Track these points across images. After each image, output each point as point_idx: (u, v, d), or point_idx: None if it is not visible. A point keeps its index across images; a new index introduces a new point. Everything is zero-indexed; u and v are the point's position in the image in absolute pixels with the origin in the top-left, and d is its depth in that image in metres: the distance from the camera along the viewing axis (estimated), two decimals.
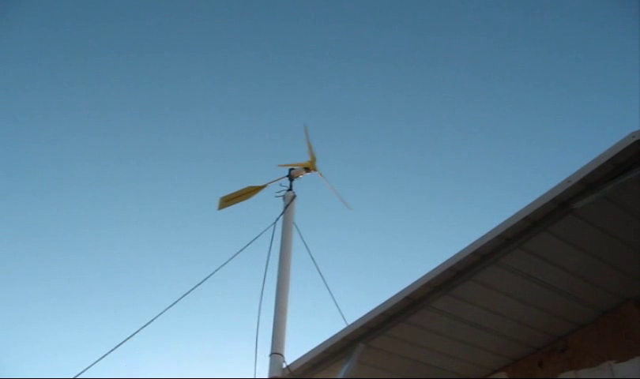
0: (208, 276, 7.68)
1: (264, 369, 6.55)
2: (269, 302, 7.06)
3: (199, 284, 7.65)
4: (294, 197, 8.26)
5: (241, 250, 7.95)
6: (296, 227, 8.00)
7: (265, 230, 8.01)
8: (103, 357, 6.85)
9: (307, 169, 8.71)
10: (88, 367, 6.72)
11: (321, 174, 8.78)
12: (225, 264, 7.81)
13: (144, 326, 7.08)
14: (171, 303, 7.36)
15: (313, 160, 8.74)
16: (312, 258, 8.04)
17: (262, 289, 7.26)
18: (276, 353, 6.60)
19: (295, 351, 6.78)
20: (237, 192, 8.60)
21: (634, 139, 4.60)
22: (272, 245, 7.61)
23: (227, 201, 8.48)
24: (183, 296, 7.50)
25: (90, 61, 18.36)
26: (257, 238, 8.01)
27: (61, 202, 18.51)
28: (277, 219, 8.04)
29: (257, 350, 6.73)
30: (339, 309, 7.64)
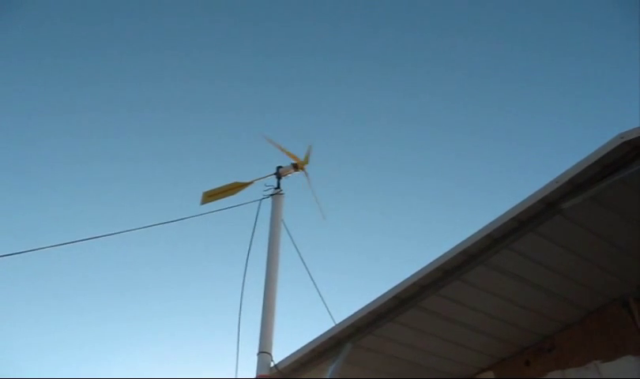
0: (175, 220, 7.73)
1: (248, 369, 6.52)
2: (257, 301, 7.03)
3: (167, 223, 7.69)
4: (282, 193, 8.22)
5: (223, 209, 7.99)
6: (284, 225, 7.97)
7: (252, 202, 8.02)
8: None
9: (296, 167, 8.63)
10: None
11: (307, 178, 8.68)
12: (204, 213, 7.88)
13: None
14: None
15: (299, 159, 8.67)
16: (300, 257, 8.01)
17: (244, 277, 7.26)
18: (264, 352, 6.57)
19: (283, 350, 6.76)
20: (221, 187, 8.50)
21: (622, 140, 4.62)
22: (261, 246, 7.58)
23: (211, 196, 8.37)
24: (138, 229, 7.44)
25: (82, 63, 18.23)
26: (243, 204, 8.03)
27: (53, 201, 18.42)
28: (264, 197, 8.04)
29: (241, 349, 6.72)
30: (327, 309, 7.61)
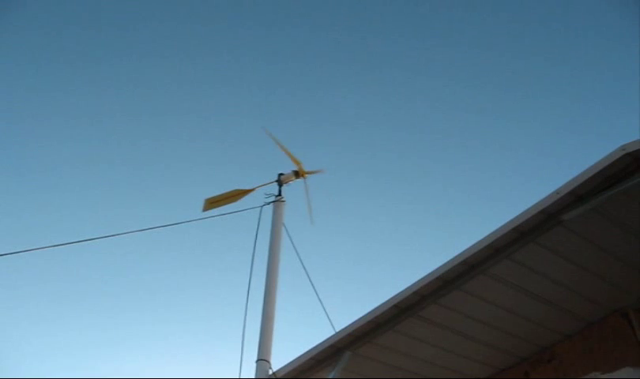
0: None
1: (247, 376, 6.52)
2: (256, 308, 7.03)
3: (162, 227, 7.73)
4: (283, 200, 8.24)
5: (223, 214, 8.03)
6: (286, 230, 7.97)
7: (252, 208, 8.04)
8: None
9: (297, 174, 8.65)
10: None
11: (306, 184, 8.69)
12: (205, 218, 7.91)
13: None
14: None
15: (301, 166, 8.69)
16: (302, 263, 8.01)
17: (249, 286, 7.24)
18: (262, 359, 6.57)
19: (281, 358, 6.75)
20: (223, 194, 8.53)
21: (624, 152, 4.62)
22: (261, 253, 7.59)
23: (213, 203, 8.42)
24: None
25: (84, 67, 18.28)
26: (244, 210, 8.06)
27: (59, 204, 18.46)
28: (265, 204, 8.06)
29: (244, 355, 6.70)
30: (327, 316, 7.61)
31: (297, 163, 8.63)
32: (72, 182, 18.69)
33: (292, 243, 7.97)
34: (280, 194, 8.32)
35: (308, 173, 8.62)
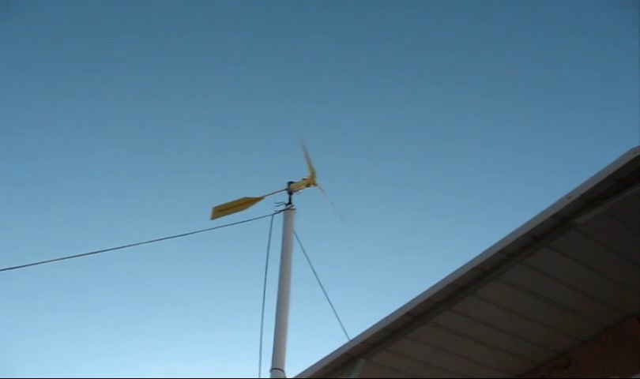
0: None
1: None
2: (270, 316, 7.04)
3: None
4: (293, 208, 8.24)
5: (234, 223, 8.08)
6: (297, 238, 7.98)
7: (263, 216, 8.07)
8: None
9: (307, 183, 8.66)
10: None
11: (320, 189, 8.71)
12: (216, 228, 7.97)
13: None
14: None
15: (313, 175, 8.70)
16: (314, 272, 8.02)
17: (264, 292, 7.27)
18: (276, 368, 6.58)
19: (295, 366, 6.75)
20: (232, 202, 8.54)
21: (635, 154, 4.58)
22: (272, 262, 7.60)
23: (221, 211, 8.42)
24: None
25: (94, 75, 18.45)
26: (254, 219, 8.10)
27: (62, 217, 18.59)
28: (276, 212, 8.07)
29: (254, 365, 6.73)
30: (341, 324, 7.61)
31: (313, 172, 8.64)
32: (80, 193, 18.85)
33: (304, 251, 7.98)
34: (290, 202, 8.33)
35: (313, 178, 8.63)
